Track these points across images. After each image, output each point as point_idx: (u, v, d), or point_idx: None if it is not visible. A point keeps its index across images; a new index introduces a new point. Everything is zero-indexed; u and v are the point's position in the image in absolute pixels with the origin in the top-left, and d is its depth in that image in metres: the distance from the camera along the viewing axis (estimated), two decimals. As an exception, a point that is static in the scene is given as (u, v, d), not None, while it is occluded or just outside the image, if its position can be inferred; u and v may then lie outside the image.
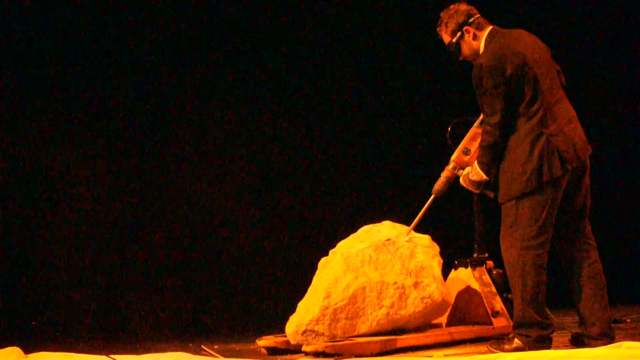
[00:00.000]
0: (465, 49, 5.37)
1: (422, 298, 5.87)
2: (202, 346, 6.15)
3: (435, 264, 6.00)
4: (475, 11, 5.39)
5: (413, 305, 5.86)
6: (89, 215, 7.87)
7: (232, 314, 8.00)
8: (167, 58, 8.13)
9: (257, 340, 6.03)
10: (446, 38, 5.42)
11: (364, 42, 8.66)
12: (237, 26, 8.31)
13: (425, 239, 6.11)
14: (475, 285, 6.28)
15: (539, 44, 5.32)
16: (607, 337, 5.18)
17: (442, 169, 5.68)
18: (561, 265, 5.31)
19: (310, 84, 8.52)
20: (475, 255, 6.49)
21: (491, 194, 5.35)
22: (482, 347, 5.63)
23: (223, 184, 8.24)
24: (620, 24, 8.92)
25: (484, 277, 6.33)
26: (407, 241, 5.99)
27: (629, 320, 6.82)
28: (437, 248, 6.11)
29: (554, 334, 5.30)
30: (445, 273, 6.23)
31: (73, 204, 7.83)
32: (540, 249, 5.12)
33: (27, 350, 5.54)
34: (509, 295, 5.99)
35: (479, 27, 5.33)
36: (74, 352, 5.55)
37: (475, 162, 5.32)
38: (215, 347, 6.24)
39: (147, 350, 5.95)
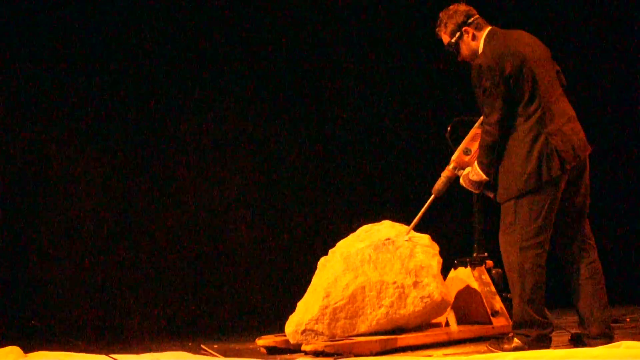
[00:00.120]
0: (464, 50, 5.38)
1: (422, 297, 5.87)
2: (202, 345, 6.15)
3: (435, 263, 6.00)
4: (474, 12, 5.40)
5: (412, 305, 5.86)
6: (88, 215, 7.86)
7: (231, 313, 8.00)
8: (167, 58, 8.13)
9: (256, 340, 6.03)
10: (445, 38, 5.43)
11: (363, 42, 8.66)
12: (237, 24, 8.31)
13: (425, 238, 6.11)
14: (475, 285, 6.28)
15: (538, 44, 5.32)
16: (606, 337, 5.19)
17: (442, 169, 5.69)
18: (560, 264, 5.32)
19: (311, 84, 8.52)
20: (474, 254, 6.49)
21: (491, 194, 5.35)
22: (482, 347, 5.64)
23: (223, 183, 8.24)
24: (620, 24, 8.92)
25: (483, 276, 6.33)
26: (406, 240, 6.00)
27: (628, 319, 6.82)
28: (436, 247, 6.11)
29: (554, 334, 5.30)
30: (444, 272, 6.23)
31: (73, 203, 7.83)
32: (539, 249, 5.12)
33: (27, 349, 5.54)
34: (508, 295, 6.00)
35: (478, 28, 5.34)
36: (74, 351, 5.56)
37: (475, 162, 5.33)
38: (215, 346, 6.25)
39: (147, 350, 5.95)
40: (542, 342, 5.15)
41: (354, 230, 6.26)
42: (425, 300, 5.88)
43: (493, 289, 6.32)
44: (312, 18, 8.49)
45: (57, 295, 7.71)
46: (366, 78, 8.67)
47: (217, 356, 5.67)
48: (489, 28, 5.35)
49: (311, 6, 8.45)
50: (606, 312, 5.25)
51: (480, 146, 5.28)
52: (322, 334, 5.77)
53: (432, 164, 6.48)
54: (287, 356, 5.76)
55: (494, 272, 6.40)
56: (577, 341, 5.32)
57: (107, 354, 5.19)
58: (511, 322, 5.39)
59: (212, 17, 8.25)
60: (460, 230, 7.28)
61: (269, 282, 8.17)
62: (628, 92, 8.98)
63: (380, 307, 5.82)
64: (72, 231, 7.82)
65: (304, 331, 5.80)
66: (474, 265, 6.37)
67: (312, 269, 6.15)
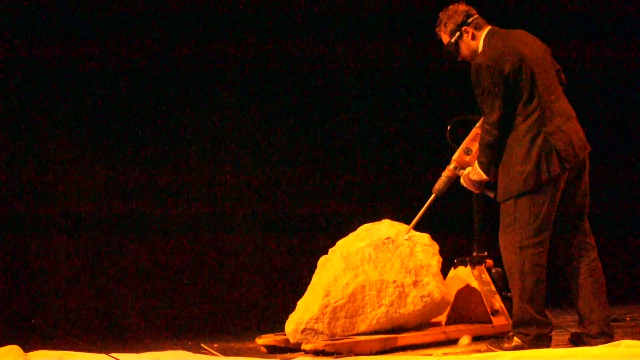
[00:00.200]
0: (464, 49, 5.39)
1: (422, 297, 5.87)
2: (202, 345, 6.16)
3: (435, 262, 6.00)
4: (474, 11, 5.41)
5: (412, 304, 5.86)
6: (88, 214, 7.87)
7: (231, 312, 8.00)
8: (166, 58, 8.12)
9: (256, 339, 6.03)
10: (445, 38, 5.43)
11: (363, 41, 8.65)
12: (238, 25, 8.31)
13: (425, 237, 6.11)
14: (475, 284, 6.28)
15: (537, 43, 5.33)
16: (606, 336, 5.19)
17: (442, 168, 5.69)
18: (560, 264, 5.31)
19: (311, 84, 8.52)
20: (474, 253, 6.49)
21: (491, 194, 5.35)
22: (482, 346, 5.64)
23: (223, 183, 8.23)
24: (620, 23, 8.92)
25: (483, 275, 6.33)
26: (406, 240, 6.00)
27: (628, 318, 6.82)
28: (436, 246, 6.11)
29: (554, 333, 5.30)
30: (444, 271, 6.22)
31: (73, 203, 7.83)
32: (539, 248, 5.12)
33: (27, 348, 5.54)
34: (508, 294, 6.00)
35: (478, 27, 5.35)
36: (74, 350, 5.56)
37: (476, 162, 5.33)
38: (215, 345, 6.25)
39: (147, 349, 5.95)
40: (542, 341, 5.15)
41: (354, 229, 6.26)
42: (425, 299, 5.88)
43: (493, 288, 6.32)
44: (312, 17, 8.49)
45: (57, 295, 7.71)
46: (366, 77, 8.66)
47: (217, 355, 5.67)
48: (489, 28, 5.36)
49: (311, 6, 8.45)
50: (606, 311, 5.25)
51: (480, 145, 5.28)
52: (322, 333, 5.77)
53: (432, 163, 6.47)
54: (287, 355, 5.76)
55: (494, 271, 6.40)
56: (577, 340, 5.32)
57: (107, 353, 5.19)
58: (511, 321, 5.39)
59: (212, 17, 8.25)
60: (460, 229, 7.28)
61: (269, 281, 8.17)
62: (628, 92, 8.98)
63: (380, 306, 5.82)
64: (72, 231, 7.82)
65: (304, 330, 5.80)
66: (473, 264, 6.37)
67: (312, 268, 6.15)
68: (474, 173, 5.35)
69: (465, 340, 5.82)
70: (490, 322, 6.17)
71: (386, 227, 6.13)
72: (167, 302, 7.95)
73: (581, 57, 8.63)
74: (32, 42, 7.74)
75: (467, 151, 5.53)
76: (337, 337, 5.73)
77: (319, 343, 5.62)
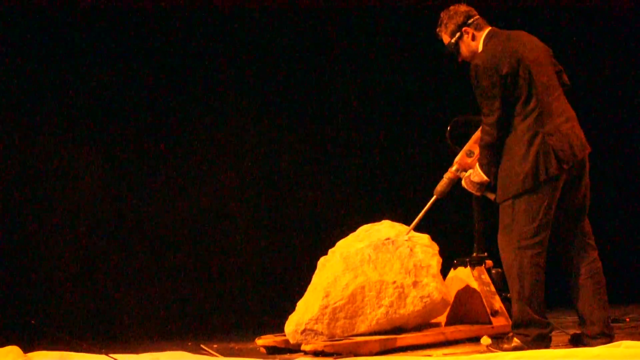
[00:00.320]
0: (464, 50, 5.39)
1: (421, 297, 5.87)
2: (202, 345, 6.16)
3: (435, 263, 6.00)
4: (474, 12, 5.42)
5: (412, 305, 5.86)
6: (88, 213, 7.87)
7: (231, 313, 8.00)
8: (168, 58, 8.13)
9: (256, 339, 6.03)
10: (445, 39, 5.44)
11: (363, 41, 8.65)
12: (240, 26, 8.31)
13: (425, 238, 6.11)
14: (475, 285, 6.28)
15: (537, 44, 5.33)
16: (606, 337, 5.18)
17: (442, 168, 5.69)
18: (560, 264, 5.31)
19: (311, 84, 8.52)
20: (474, 254, 6.49)
21: (492, 196, 5.35)
22: (481, 347, 5.63)
23: (223, 183, 8.24)
24: (620, 23, 8.92)
25: (483, 276, 6.33)
26: (406, 240, 6.00)
27: (628, 319, 6.82)
28: (436, 247, 6.11)
29: (553, 333, 5.30)
30: (444, 272, 6.22)
31: (73, 202, 7.83)
32: (538, 249, 5.12)
33: (27, 349, 5.54)
34: (508, 295, 5.99)
35: (478, 28, 5.36)
36: (73, 351, 5.55)
37: (477, 164, 5.34)
38: (215, 346, 6.25)
39: (146, 349, 5.94)
40: (542, 341, 5.15)
41: (353, 230, 6.26)
42: (424, 300, 5.88)
43: (493, 288, 6.32)
44: (312, 17, 8.49)
45: (57, 295, 7.71)
46: (366, 77, 8.66)
47: (216, 356, 5.67)
48: (489, 28, 5.36)
49: (312, 5, 8.45)
50: (606, 311, 5.25)
51: (480, 146, 5.29)
52: (321, 333, 5.77)
53: (432, 163, 6.48)
54: (287, 356, 5.76)
55: (493, 271, 6.40)
56: (577, 341, 5.32)
57: (107, 353, 5.19)
58: (511, 322, 5.38)
59: (213, 16, 8.25)
60: (460, 229, 7.28)
61: (269, 282, 8.16)
62: (629, 91, 8.98)
63: (379, 307, 5.82)
64: (72, 231, 7.82)
65: (303, 331, 5.80)
66: (473, 265, 6.37)
67: (312, 269, 6.15)
68: (474, 174, 5.35)
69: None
70: (490, 322, 6.16)
71: (386, 228, 6.13)
72: (167, 302, 7.95)
73: (581, 57, 8.63)
74: (31, 39, 7.74)
75: (470, 153, 5.54)
76: (336, 338, 5.73)
77: (319, 344, 5.62)
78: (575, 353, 4.77)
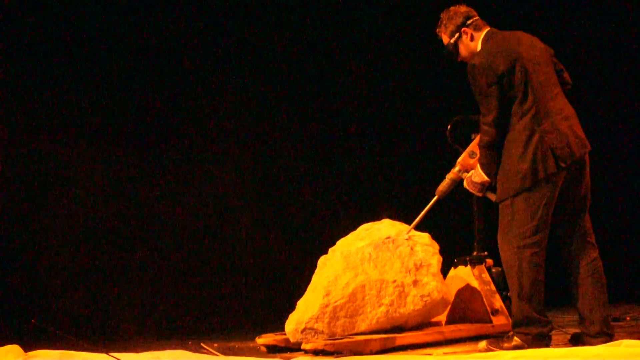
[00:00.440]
0: (463, 50, 5.42)
1: (422, 296, 5.87)
2: (202, 344, 6.16)
3: (435, 262, 6.00)
4: (474, 13, 5.44)
5: (412, 304, 5.86)
6: (88, 212, 7.87)
7: (231, 311, 8.00)
8: (169, 58, 8.13)
9: (256, 338, 6.03)
10: (445, 39, 5.47)
11: (364, 40, 8.66)
12: (241, 23, 8.31)
13: (425, 237, 6.11)
14: (475, 284, 6.28)
15: (536, 43, 5.33)
16: (606, 335, 5.18)
17: (441, 167, 5.69)
18: (560, 263, 5.31)
19: (311, 83, 8.52)
20: (474, 253, 6.50)
21: (493, 197, 5.35)
22: (483, 342, 5.62)
23: (223, 183, 8.24)
24: (620, 22, 8.93)
25: (483, 275, 6.33)
26: (406, 239, 6.00)
27: (628, 318, 6.82)
28: (436, 246, 6.11)
29: (554, 332, 5.30)
30: (444, 271, 6.23)
31: (73, 202, 7.83)
32: (537, 247, 5.12)
33: (27, 348, 5.54)
34: (508, 294, 6.00)
35: (477, 29, 5.38)
36: (74, 350, 5.55)
37: (478, 164, 5.35)
38: (215, 345, 6.25)
39: (147, 348, 5.95)
40: (542, 340, 5.15)
41: (354, 228, 6.26)
42: (425, 299, 5.88)
43: (493, 287, 6.32)
44: (314, 16, 8.49)
45: (57, 295, 7.71)
46: (367, 77, 8.67)
47: (217, 355, 5.67)
48: (488, 29, 5.39)
49: (313, 4, 8.45)
50: (606, 310, 5.25)
51: (479, 146, 5.30)
52: (322, 332, 5.77)
53: (432, 162, 6.48)
54: (287, 355, 5.76)
55: (494, 270, 6.41)
56: (577, 340, 5.31)
57: (107, 352, 5.19)
58: (511, 321, 5.38)
59: (213, 15, 8.25)
60: (460, 228, 7.28)
61: (269, 281, 8.17)
62: (629, 91, 8.98)
63: (380, 306, 5.82)
64: (72, 231, 7.82)
65: (304, 330, 5.80)
66: (474, 263, 6.37)
67: (312, 268, 6.15)
68: (476, 175, 5.36)
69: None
70: (491, 321, 6.17)
71: (386, 227, 6.13)
72: (167, 302, 7.95)
73: (581, 57, 8.63)
74: (33, 36, 7.74)
75: (472, 154, 5.55)
76: (337, 337, 5.73)
77: (319, 342, 5.62)
78: (576, 352, 4.77)
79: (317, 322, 5.78)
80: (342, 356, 5.48)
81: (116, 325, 7.65)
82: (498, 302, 6.25)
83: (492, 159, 5.24)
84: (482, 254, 6.48)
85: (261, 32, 8.38)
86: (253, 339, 6.16)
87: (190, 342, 6.46)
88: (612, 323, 5.34)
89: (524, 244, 5.12)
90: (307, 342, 5.71)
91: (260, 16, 8.37)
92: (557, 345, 5.30)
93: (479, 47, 5.33)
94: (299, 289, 6.13)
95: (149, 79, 8.05)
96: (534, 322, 5.14)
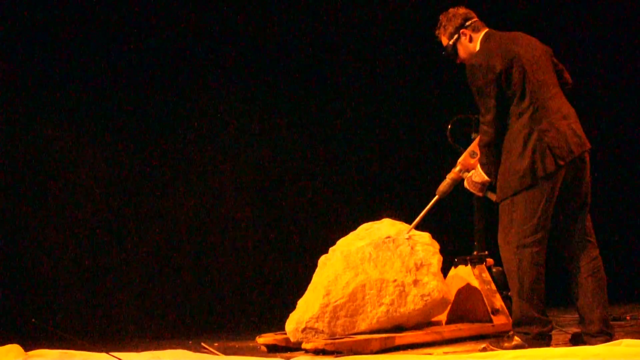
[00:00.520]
0: (462, 52, 5.43)
1: (422, 296, 5.88)
2: (202, 344, 6.16)
3: (435, 261, 6.00)
4: (472, 15, 5.46)
5: (413, 303, 5.86)
6: (89, 213, 7.87)
7: (232, 311, 8.00)
8: (169, 57, 8.13)
9: (256, 338, 6.03)
10: (444, 41, 5.49)
11: (363, 40, 8.66)
12: (238, 27, 8.31)
13: (425, 236, 6.11)
14: (475, 283, 6.28)
15: (535, 44, 5.34)
16: (606, 335, 5.18)
17: (441, 167, 5.69)
18: (560, 262, 5.31)
19: (311, 83, 8.52)
20: (475, 252, 6.50)
21: (494, 197, 5.35)
22: (482, 345, 5.62)
23: (223, 182, 8.24)
24: (621, 22, 8.93)
25: (483, 274, 6.33)
26: (407, 239, 6.00)
27: (628, 317, 6.83)
28: (437, 245, 6.11)
29: (554, 332, 5.30)
30: (445, 271, 6.23)
31: (73, 202, 7.83)
32: (537, 247, 5.12)
33: (27, 347, 5.54)
34: (509, 293, 6.00)
35: (475, 30, 5.40)
36: (74, 349, 5.56)
37: (478, 164, 5.35)
38: (215, 344, 6.25)
39: (147, 348, 5.95)
40: (542, 340, 5.15)
41: (354, 228, 6.26)
42: (425, 298, 5.88)
43: (493, 287, 6.32)
44: (314, 17, 8.49)
45: (58, 294, 7.71)
46: (367, 77, 8.67)
47: (217, 354, 5.67)
48: (486, 30, 5.40)
49: (314, 5, 8.45)
50: (606, 310, 5.25)
51: (479, 146, 5.31)
52: (322, 332, 5.77)
53: (432, 162, 6.48)
54: (287, 354, 5.76)
55: (494, 270, 6.41)
56: (577, 339, 5.31)
57: (107, 352, 5.19)
58: (511, 321, 5.38)
59: (213, 16, 8.25)
60: (460, 228, 7.28)
61: (269, 280, 8.17)
62: (629, 91, 8.98)
63: (380, 305, 5.82)
64: (73, 230, 7.82)
65: (304, 329, 5.80)
66: (474, 263, 6.37)
67: (312, 267, 6.16)
68: (476, 175, 5.37)
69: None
70: (491, 321, 6.17)
71: (386, 226, 6.13)
72: (167, 302, 7.95)
73: (581, 57, 8.63)
74: (32, 33, 7.75)
75: (473, 154, 5.55)
76: (337, 336, 5.73)
77: (320, 342, 5.62)
78: (575, 351, 4.77)
79: (317, 321, 5.78)
80: (342, 356, 5.48)
81: (116, 324, 7.66)
82: (498, 302, 6.25)
83: (492, 158, 5.24)
84: (483, 253, 6.48)
85: (265, 27, 8.37)
86: (253, 339, 6.16)
87: (190, 342, 6.46)
88: (612, 322, 5.34)
89: (524, 243, 5.12)
90: (307, 342, 5.71)
91: (262, 11, 8.37)
92: (557, 345, 5.30)
93: (477, 48, 5.34)
94: (299, 288, 6.13)
95: (150, 79, 8.05)
96: (534, 321, 5.14)
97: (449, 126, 6.45)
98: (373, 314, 5.82)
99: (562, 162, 5.10)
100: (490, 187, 5.36)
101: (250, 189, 8.32)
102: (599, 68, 8.86)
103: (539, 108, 5.15)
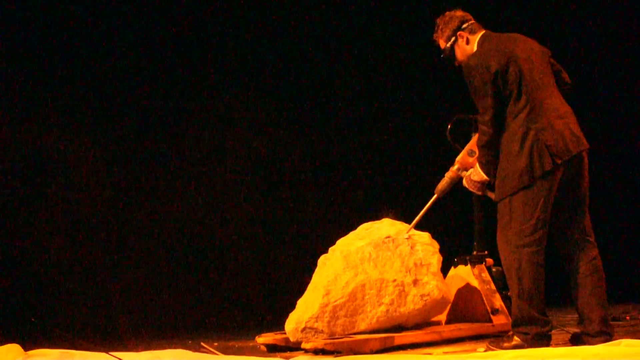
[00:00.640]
0: (459, 54, 5.45)
1: (422, 295, 5.88)
2: (202, 343, 6.16)
3: (435, 261, 6.00)
4: (469, 17, 5.48)
5: (412, 303, 5.86)
6: (89, 213, 7.87)
7: (231, 311, 8.00)
8: (170, 58, 8.13)
9: (256, 338, 6.04)
10: (442, 43, 5.51)
11: (363, 41, 8.66)
12: (238, 27, 8.31)
13: (425, 236, 6.11)
14: (475, 283, 6.28)
15: (532, 45, 5.35)
16: (606, 335, 5.18)
17: (441, 166, 5.69)
18: (560, 262, 5.32)
19: (310, 83, 8.53)
20: (474, 252, 6.50)
21: (493, 196, 5.36)
22: (482, 345, 5.63)
23: (223, 182, 8.24)
24: (621, 21, 8.93)
25: (483, 274, 6.33)
26: (406, 238, 6.00)
27: (628, 317, 6.83)
28: (436, 245, 6.11)
29: (554, 332, 5.30)
30: (444, 270, 6.23)
31: (73, 202, 7.84)
32: (536, 246, 5.12)
33: (27, 347, 5.55)
34: (508, 293, 6.00)
35: (472, 32, 5.42)
36: (74, 349, 5.56)
37: (477, 163, 5.36)
38: (215, 344, 6.25)
39: (147, 347, 5.95)
40: (542, 340, 5.15)
41: (354, 228, 6.26)
42: (425, 298, 5.88)
43: (493, 287, 6.32)
44: (314, 18, 8.50)
45: (57, 294, 7.71)
46: (367, 77, 8.67)
47: (217, 354, 5.68)
48: (483, 32, 5.42)
49: (314, 6, 8.46)
50: (605, 309, 5.25)
51: (478, 146, 5.31)
52: (322, 331, 5.77)
53: (432, 162, 6.47)
54: (287, 354, 5.76)
55: (494, 270, 6.41)
56: (576, 339, 5.31)
57: (107, 351, 5.19)
58: (511, 320, 5.38)
59: (214, 16, 8.25)
60: (460, 228, 7.28)
61: (269, 280, 8.17)
62: (628, 90, 8.99)
63: (380, 305, 5.82)
64: (73, 230, 7.82)
65: (304, 329, 5.80)
66: (474, 263, 6.37)
67: (312, 267, 6.16)
68: (475, 173, 5.37)
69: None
70: (491, 321, 6.17)
71: (386, 226, 6.14)
72: (167, 302, 7.96)
73: (581, 57, 8.64)
74: (31, 31, 7.75)
75: (471, 153, 5.56)
76: (337, 336, 5.73)
77: (319, 342, 5.62)
78: (575, 351, 4.77)
79: (317, 321, 5.78)
80: (342, 355, 5.48)
81: (116, 324, 7.66)
82: (498, 302, 6.25)
83: (490, 158, 5.25)
84: (482, 253, 6.48)
85: (265, 28, 8.38)
86: (253, 338, 6.16)
87: (190, 342, 6.47)
88: (611, 322, 5.34)
89: (523, 243, 5.12)
90: (307, 342, 5.71)
91: (262, 11, 8.37)
92: (557, 345, 5.30)
93: (474, 50, 5.35)
94: (299, 288, 6.13)
95: (150, 78, 8.05)
96: (534, 321, 5.14)
97: (449, 126, 6.45)
98: (373, 314, 5.82)
99: (559, 161, 5.10)
100: (489, 186, 5.36)
101: (250, 189, 8.32)
102: (599, 68, 8.87)
103: (535, 107, 5.16)
